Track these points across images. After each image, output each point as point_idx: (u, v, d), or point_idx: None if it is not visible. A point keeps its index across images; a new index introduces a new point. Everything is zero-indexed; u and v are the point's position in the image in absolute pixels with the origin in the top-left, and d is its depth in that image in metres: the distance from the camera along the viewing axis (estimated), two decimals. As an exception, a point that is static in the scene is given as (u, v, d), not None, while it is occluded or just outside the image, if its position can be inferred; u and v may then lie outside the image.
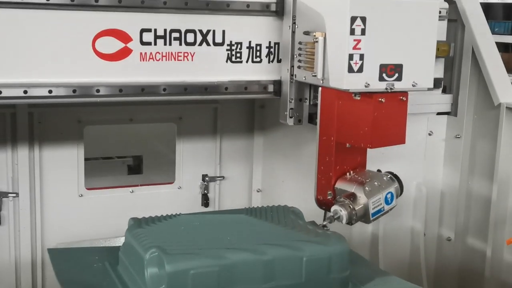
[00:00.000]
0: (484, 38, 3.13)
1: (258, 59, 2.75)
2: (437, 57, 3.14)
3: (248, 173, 3.48)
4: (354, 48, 2.29)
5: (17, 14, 2.37)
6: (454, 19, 3.17)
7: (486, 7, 3.56)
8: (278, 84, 2.77)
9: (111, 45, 2.52)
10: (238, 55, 2.70)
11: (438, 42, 3.12)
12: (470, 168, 3.26)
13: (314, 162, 3.25)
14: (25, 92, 2.44)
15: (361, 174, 2.49)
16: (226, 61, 2.70)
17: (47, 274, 3.08)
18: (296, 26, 2.60)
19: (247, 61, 2.72)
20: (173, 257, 2.03)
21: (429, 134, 3.33)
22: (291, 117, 2.73)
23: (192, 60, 2.65)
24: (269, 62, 2.77)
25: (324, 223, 2.45)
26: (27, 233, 3.02)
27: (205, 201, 3.40)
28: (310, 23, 2.50)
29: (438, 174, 3.36)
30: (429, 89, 3.18)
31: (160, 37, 2.59)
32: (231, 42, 2.69)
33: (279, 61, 2.77)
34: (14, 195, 2.96)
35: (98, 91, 2.55)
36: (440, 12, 3.11)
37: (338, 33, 2.34)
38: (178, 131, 3.29)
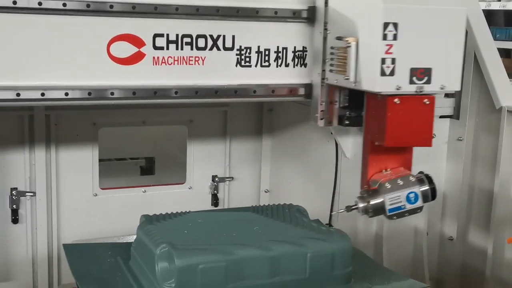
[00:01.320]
0: (486, 44, 3.12)
1: (267, 63, 2.75)
2: (440, 62, 3.16)
3: (256, 174, 3.50)
4: (387, 52, 2.30)
5: (34, 19, 2.39)
6: (457, 25, 3.17)
7: (488, 14, 3.54)
8: (309, 87, 2.78)
9: (125, 49, 2.53)
10: (248, 59, 2.70)
11: (441, 48, 3.13)
12: (472, 170, 3.25)
13: (320, 163, 3.26)
14: (43, 94, 2.45)
15: (393, 172, 2.52)
16: (236, 65, 2.71)
17: (62, 269, 3.10)
18: (328, 32, 2.61)
19: (256, 65, 2.72)
20: (182, 252, 2.04)
21: (433, 137, 3.31)
22: (321, 119, 2.72)
23: (203, 64, 2.65)
24: (276, 67, 2.77)
25: (335, 212, 2.53)
26: (43, 231, 3.05)
27: (215, 201, 3.41)
28: (342, 29, 2.51)
29: (441, 176, 3.35)
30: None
31: (172, 42, 2.59)
32: (240, 47, 2.69)
33: (287, 65, 2.77)
34: (32, 194, 2.99)
35: (112, 93, 2.55)
36: (443, 18, 3.14)
37: (371, 38, 2.34)
38: (189, 133, 3.30)
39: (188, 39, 2.61)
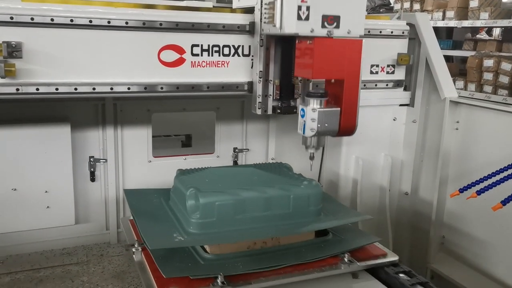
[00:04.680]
0: (434, 51, 3.08)
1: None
2: (400, 65, 3.11)
3: (265, 147, 3.48)
4: (302, 1, 2.15)
5: (105, 34, 2.38)
6: (413, 37, 3.12)
7: (435, 29, 3.46)
8: (250, 84, 2.68)
9: (171, 56, 2.52)
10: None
11: (401, 54, 3.08)
12: (422, 144, 3.23)
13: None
14: (111, 88, 2.45)
15: None
16: (251, 67, 2.68)
17: (126, 215, 3.11)
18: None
19: None
20: (204, 194, 2.15)
21: (394, 120, 3.29)
22: (259, 109, 2.66)
23: (227, 66, 2.64)
24: None
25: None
26: (112, 187, 3.05)
27: (235, 166, 3.40)
28: None
29: (400, 148, 3.33)
30: (394, 87, 3.16)
31: (205, 50, 2.57)
32: (249, 53, 2.66)
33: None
34: (104, 160, 2.99)
35: (162, 88, 2.55)
36: (403, 32, 3.09)
37: None
38: (217, 117, 3.28)
39: (216, 48, 2.59)
